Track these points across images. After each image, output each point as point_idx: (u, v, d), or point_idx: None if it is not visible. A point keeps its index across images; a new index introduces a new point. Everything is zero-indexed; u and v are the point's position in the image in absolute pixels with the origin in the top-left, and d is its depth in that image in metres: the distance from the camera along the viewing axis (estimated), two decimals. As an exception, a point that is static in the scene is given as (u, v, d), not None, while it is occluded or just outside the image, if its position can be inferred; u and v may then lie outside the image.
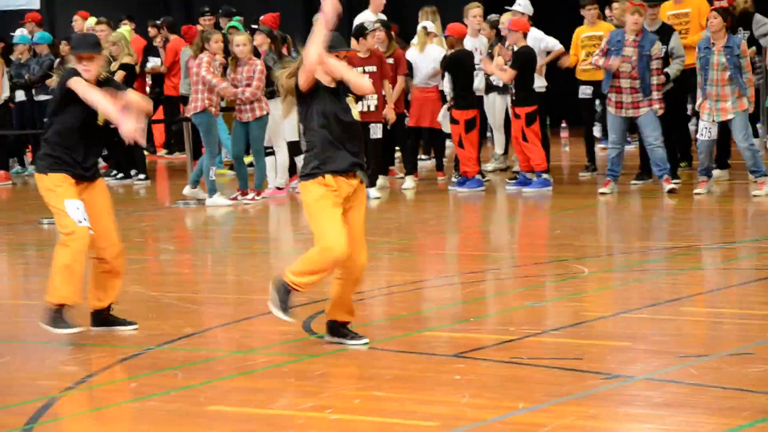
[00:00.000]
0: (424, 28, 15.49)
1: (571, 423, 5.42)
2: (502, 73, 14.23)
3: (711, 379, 6.05)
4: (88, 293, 7.45)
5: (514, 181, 14.67)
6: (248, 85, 13.95)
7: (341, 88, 6.90)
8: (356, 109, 6.99)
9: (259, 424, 5.71)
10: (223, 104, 14.56)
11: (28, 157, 18.85)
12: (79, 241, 7.17)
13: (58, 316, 7.18)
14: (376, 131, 14.14)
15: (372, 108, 14.11)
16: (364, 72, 14.10)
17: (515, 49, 14.14)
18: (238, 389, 6.25)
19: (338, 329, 7.04)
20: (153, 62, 18.81)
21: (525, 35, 14.19)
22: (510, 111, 14.61)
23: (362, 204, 6.95)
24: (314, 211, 6.75)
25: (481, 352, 6.78)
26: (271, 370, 6.58)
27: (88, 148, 7.41)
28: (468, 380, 6.21)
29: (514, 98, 14.26)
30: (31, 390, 6.39)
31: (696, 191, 13.22)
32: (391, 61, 14.92)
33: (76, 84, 7.25)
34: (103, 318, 7.50)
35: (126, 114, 7.13)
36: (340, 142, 6.85)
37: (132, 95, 7.40)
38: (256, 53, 14.51)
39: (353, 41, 14.08)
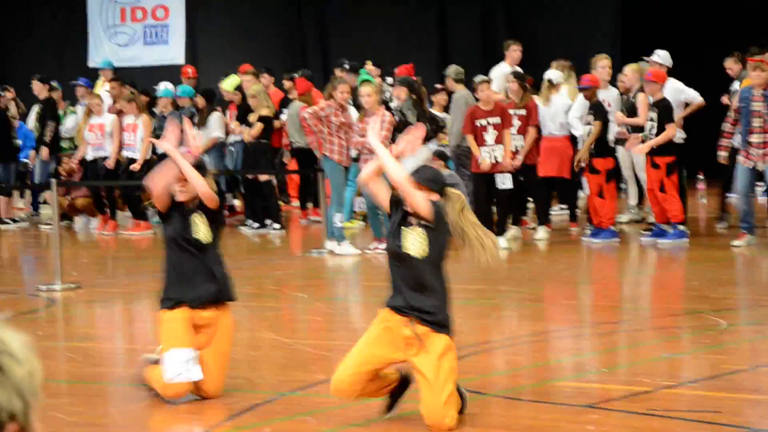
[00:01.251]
0: (549, 80, 15.49)
1: (708, 476, 5.31)
2: (655, 140, 14.00)
3: None
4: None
5: (649, 233, 14.50)
6: None
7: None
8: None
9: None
10: (354, 155, 14.71)
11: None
12: (174, 390, 6.91)
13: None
14: (504, 181, 14.13)
15: (499, 159, 14.13)
16: (488, 124, 14.15)
17: (651, 100, 14.04)
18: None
19: None
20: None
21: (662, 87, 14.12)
22: (646, 162, 14.46)
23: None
24: None
25: (614, 404, 6.69)
26: (402, 417, 6.57)
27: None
28: (601, 431, 6.12)
29: (654, 147, 14.09)
30: (182, 429, 6.50)
31: None
32: (523, 112, 14.93)
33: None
34: None
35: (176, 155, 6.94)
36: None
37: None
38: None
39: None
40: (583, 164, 14.53)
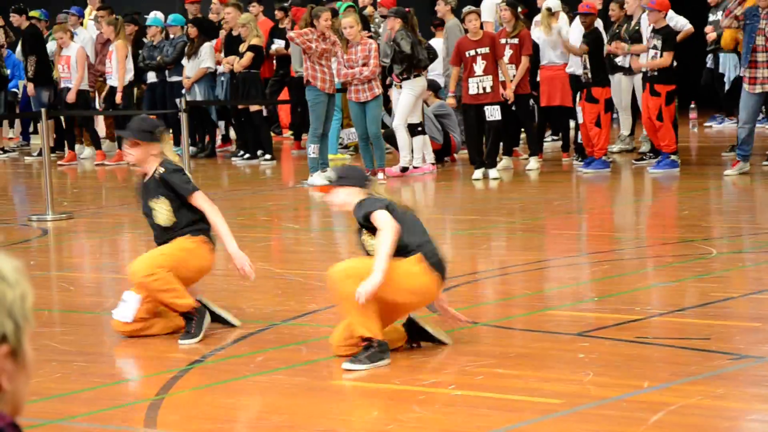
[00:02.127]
0: (548, 8, 15.37)
1: (698, 402, 5.34)
2: (656, 61, 13.90)
3: (843, 361, 5.91)
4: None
5: (642, 162, 14.52)
6: (365, 65, 13.97)
7: None
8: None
9: (381, 399, 5.74)
10: (338, 85, 14.63)
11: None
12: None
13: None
14: (492, 113, 14.09)
15: (488, 89, 14.07)
16: (477, 54, 14.08)
17: (654, 28, 13.94)
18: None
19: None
20: (278, 44, 18.98)
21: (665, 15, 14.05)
22: (643, 90, 14.38)
23: None
24: None
25: (605, 331, 6.72)
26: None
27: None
28: (592, 359, 6.15)
29: (655, 75, 13.95)
30: (161, 363, 6.52)
31: None
32: (515, 41, 14.85)
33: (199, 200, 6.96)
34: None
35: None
36: None
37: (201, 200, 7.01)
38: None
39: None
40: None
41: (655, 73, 13.92)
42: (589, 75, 14.22)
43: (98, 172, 17.32)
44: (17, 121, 21.56)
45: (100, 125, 19.18)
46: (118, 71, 17.51)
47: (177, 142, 14.85)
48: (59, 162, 17.89)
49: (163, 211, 6.94)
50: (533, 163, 15.00)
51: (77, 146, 18.51)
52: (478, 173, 14.06)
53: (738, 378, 5.77)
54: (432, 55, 15.01)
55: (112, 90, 17.74)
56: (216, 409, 5.60)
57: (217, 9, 18.85)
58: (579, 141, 14.91)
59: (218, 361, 6.47)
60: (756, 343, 6.43)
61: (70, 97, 17.61)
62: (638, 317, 7.01)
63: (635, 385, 5.63)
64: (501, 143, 14.77)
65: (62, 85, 17.94)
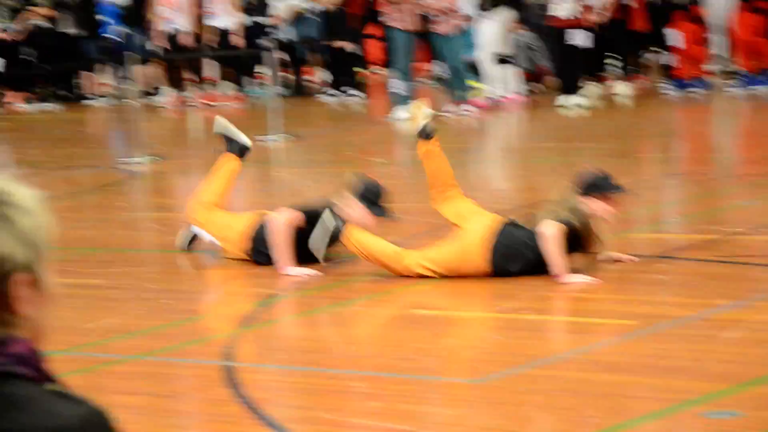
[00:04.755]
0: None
1: (771, 318, 5.30)
2: None
3: None
4: None
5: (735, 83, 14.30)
6: None
7: None
8: None
9: (459, 326, 5.77)
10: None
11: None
12: None
13: None
14: (573, 37, 13.91)
15: (577, 15, 13.90)
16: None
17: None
18: (434, 292, 6.29)
19: None
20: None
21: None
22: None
23: None
24: None
25: (685, 252, 6.67)
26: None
27: None
28: (670, 279, 6.12)
29: None
30: (242, 296, 6.63)
31: None
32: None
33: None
34: None
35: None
36: None
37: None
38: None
39: None
40: None
41: None
42: None
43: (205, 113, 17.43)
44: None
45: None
46: (232, 13, 17.53)
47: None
48: (165, 105, 18.01)
49: None
50: (623, 87, 14.81)
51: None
52: (562, 99, 13.94)
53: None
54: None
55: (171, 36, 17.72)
56: (295, 341, 5.69)
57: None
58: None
59: (295, 294, 6.56)
60: (839, 259, 6.33)
61: (186, 40, 17.66)
62: (719, 236, 6.94)
63: (712, 304, 5.60)
64: (585, 69, 14.60)
65: (162, 26, 17.98)
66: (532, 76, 15.66)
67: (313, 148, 12.36)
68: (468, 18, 14.41)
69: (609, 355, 4.96)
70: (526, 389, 4.53)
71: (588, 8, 14.16)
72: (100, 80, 20.22)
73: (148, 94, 18.08)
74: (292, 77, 18.42)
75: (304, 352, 5.52)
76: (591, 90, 14.71)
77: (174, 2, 17.70)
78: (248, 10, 18.08)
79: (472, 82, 14.55)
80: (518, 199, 8.72)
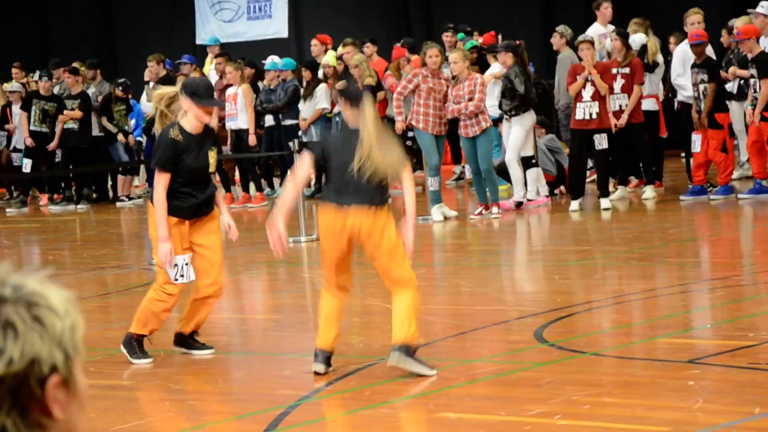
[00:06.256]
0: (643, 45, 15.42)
1: (808, 428, 5.24)
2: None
3: None
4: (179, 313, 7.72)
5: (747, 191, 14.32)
6: (470, 100, 13.94)
7: None
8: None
9: (487, 430, 5.74)
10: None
11: (277, 180, 19.41)
12: (171, 301, 7.52)
13: (136, 346, 7.52)
14: (601, 142, 14.02)
15: (594, 116, 14.01)
16: (587, 80, 14.05)
17: (749, 57, 13.76)
18: (467, 396, 6.30)
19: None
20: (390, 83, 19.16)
21: (758, 40, 13.84)
22: (749, 117, 14.15)
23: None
24: None
25: (716, 358, 6.63)
26: (499, 378, 6.60)
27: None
28: (702, 386, 6.08)
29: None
30: (270, 399, 6.61)
31: None
32: (626, 70, 14.75)
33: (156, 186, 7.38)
34: (182, 341, 7.75)
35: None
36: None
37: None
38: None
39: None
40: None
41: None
42: (701, 104, 14.05)
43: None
44: (142, 169, 22.06)
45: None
46: (248, 114, 17.78)
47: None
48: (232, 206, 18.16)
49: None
50: (649, 192, 14.84)
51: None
52: (574, 204, 14.00)
53: None
54: (540, 91, 14.99)
55: (236, 134, 17.99)
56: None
57: (317, 51, 19.11)
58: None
59: (327, 396, 6.54)
60: None
61: (252, 141, 17.85)
62: (751, 343, 6.90)
63: (746, 412, 5.55)
64: (611, 172, 14.67)
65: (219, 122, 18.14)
66: (557, 178, 15.72)
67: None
68: (495, 122, 14.57)
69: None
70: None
71: (617, 113, 14.31)
72: (134, 183, 20.44)
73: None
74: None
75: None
76: (618, 193, 14.76)
77: (242, 98, 17.95)
78: (276, 112, 18.28)
79: (500, 186, 14.66)
80: (547, 303, 8.71)
